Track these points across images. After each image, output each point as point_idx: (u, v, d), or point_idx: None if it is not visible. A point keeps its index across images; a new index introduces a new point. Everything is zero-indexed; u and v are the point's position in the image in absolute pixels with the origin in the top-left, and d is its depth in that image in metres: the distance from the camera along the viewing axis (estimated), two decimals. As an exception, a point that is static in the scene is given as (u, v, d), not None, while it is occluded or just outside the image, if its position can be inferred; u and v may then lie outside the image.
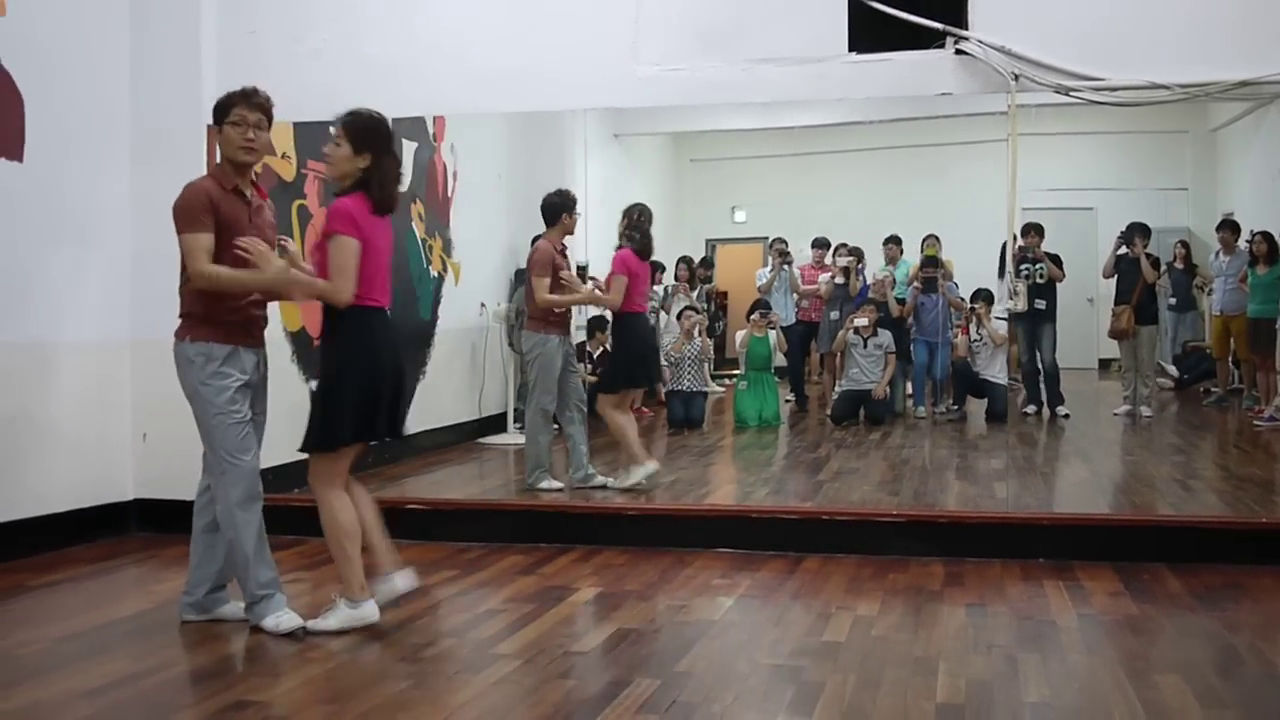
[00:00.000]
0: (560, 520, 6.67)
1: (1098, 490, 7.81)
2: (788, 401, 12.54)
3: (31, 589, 5.66)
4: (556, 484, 7.55)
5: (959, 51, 6.06)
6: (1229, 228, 12.35)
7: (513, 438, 10.15)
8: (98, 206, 6.75)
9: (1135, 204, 14.99)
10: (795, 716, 3.83)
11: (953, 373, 11.72)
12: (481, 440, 10.13)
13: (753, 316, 11.45)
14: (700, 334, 11.51)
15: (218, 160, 4.98)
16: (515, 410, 10.38)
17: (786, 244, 12.93)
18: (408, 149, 9.38)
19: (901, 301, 11.95)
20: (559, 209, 7.75)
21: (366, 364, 4.71)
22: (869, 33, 6.12)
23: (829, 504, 7.10)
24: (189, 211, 4.70)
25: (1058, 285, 11.72)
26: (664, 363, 11.62)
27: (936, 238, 12.06)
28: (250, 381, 4.87)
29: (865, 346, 11.33)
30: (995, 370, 11.44)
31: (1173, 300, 13.69)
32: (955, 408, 11.71)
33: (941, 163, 16.54)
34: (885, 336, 11.38)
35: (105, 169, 6.79)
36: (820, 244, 13.20)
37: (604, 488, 7.50)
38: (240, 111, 4.77)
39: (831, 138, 16.51)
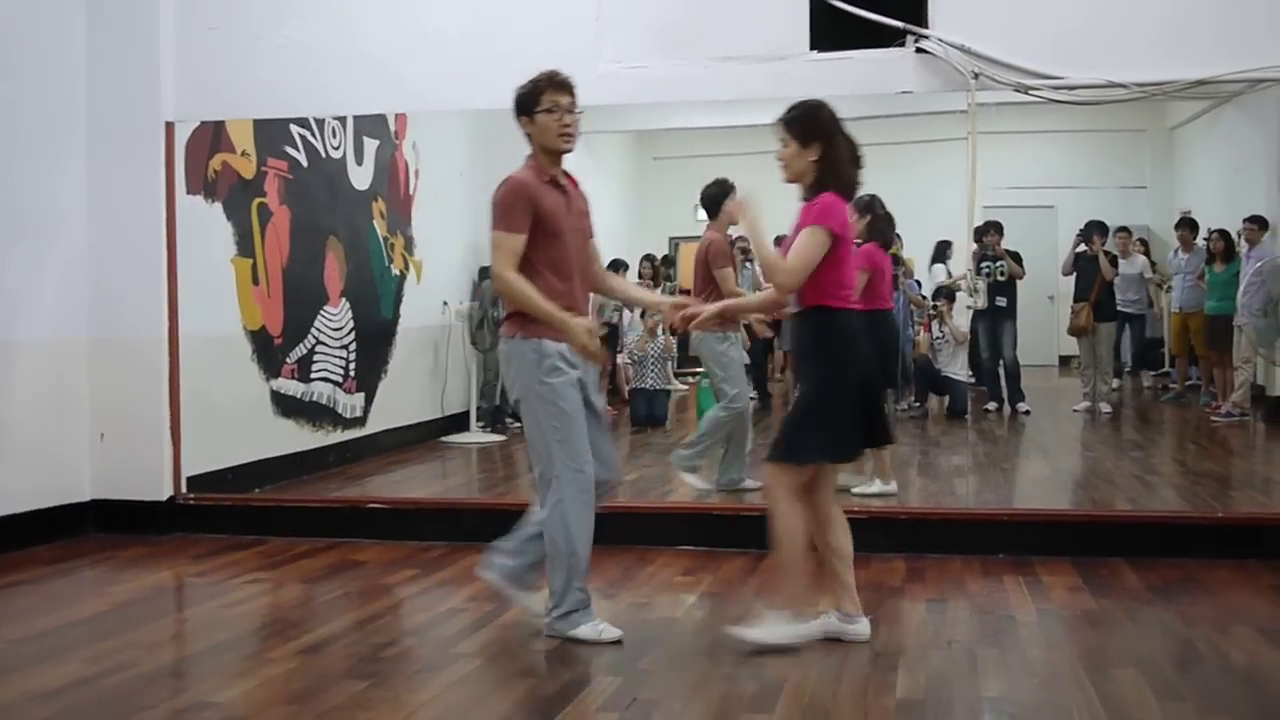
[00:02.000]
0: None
1: (1057, 486, 7.87)
2: (751, 399, 12.54)
3: (-13, 591, 5.61)
4: (754, 483, 7.28)
5: (919, 50, 6.08)
6: (1187, 225, 12.47)
7: (475, 436, 10.14)
8: (54, 204, 6.66)
9: (1095, 202, 15.07)
10: (756, 713, 3.83)
11: (914, 370, 11.78)
12: (444, 439, 10.10)
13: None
14: (663, 332, 11.51)
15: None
16: (478, 409, 10.37)
17: (749, 242, 12.94)
18: (369, 147, 9.34)
19: (864, 299, 11.98)
20: (719, 198, 7.51)
21: (851, 373, 4.41)
22: (830, 31, 6.13)
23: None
24: (509, 208, 4.50)
25: (1018, 283, 11.81)
26: (627, 360, 11.63)
27: (898, 235, 12.10)
28: (584, 386, 4.60)
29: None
30: (956, 367, 11.51)
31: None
32: (917, 405, 11.78)
33: (903, 161, 16.54)
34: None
35: (61, 166, 6.71)
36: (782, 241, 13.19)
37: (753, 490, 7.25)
38: (552, 97, 4.58)
39: (795, 136, 16.52)
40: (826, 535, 4.57)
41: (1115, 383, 12.74)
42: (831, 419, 4.39)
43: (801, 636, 4.45)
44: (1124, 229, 13.28)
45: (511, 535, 4.75)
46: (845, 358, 4.42)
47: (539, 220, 4.51)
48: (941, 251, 13.38)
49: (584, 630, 4.56)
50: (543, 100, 4.58)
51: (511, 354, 4.56)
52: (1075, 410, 11.65)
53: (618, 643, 4.53)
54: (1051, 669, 4.27)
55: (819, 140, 4.45)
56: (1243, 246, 11.15)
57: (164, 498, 6.83)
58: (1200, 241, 12.09)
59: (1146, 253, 13.84)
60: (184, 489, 6.89)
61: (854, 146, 4.52)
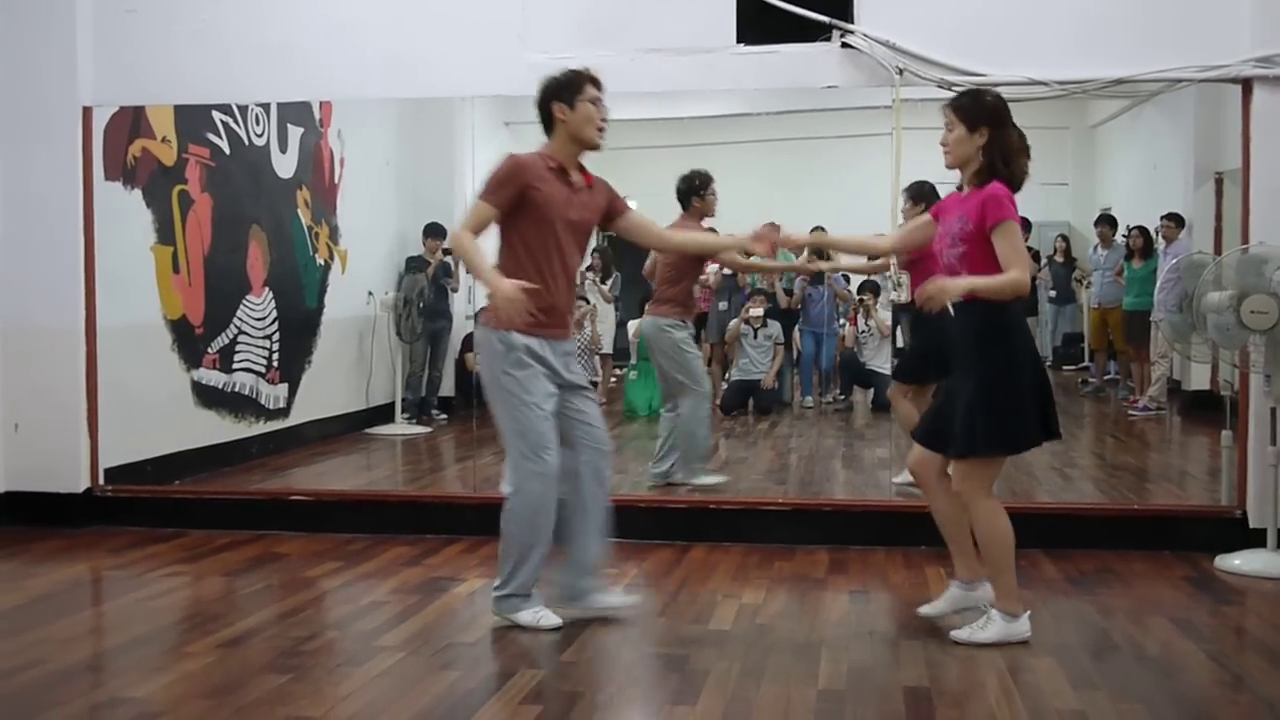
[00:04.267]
0: (447, 511, 6.62)
1: (979, 478, 7.94)
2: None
3: (-104, 585, 5.48)
4: (719, 477, 7.28)
5: (845, 45, 6.13)
6: (1107, 222, 12.66)
7: (400, 428, 10.07)
8: (-33, 190, 6.52)
9: (1019, 198, 15.24)
10: (680, 704, 3.84)
11: (839, 363, 11.87)
12: (369, 430, 10.02)
13: (648, 306, 11.45)
14: (591, 323, 11.49)
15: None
16: (403, 400, 10.29)
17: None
18: (293, 134, 9.24)
19: (789, 293, 12.05)
20: (689, 193, 7.46)
21: (1025, 363, 4.43)
22: (756, 25, 6.16)
23: (716, 493, 7.14)
24: (496, 181, 4.55)
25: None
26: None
27: (824, 229, 12.16)
28: (559, 374, 4.60)
29: (755, 337, 11.42)
30: (881, 361, 11.61)
31: (1053, 293, 14.00)
32: (842, 397, 11.87)
33: (830, 155, 16.60)
34: (774, 327, 11.48)
35: (-25, 151, 6.56)
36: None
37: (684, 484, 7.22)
38: (594, 91, 4.59)
39: (721, 129, 16.49)
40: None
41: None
42: (1008, 410, 4.37)
43: (1022, 635, 4.44)
44: None
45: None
46: (1018, 347, 4.42)
47: (528, 204, 4.52)
48: None
49: (523, 616, 4.63)
50: (586, 90, 4.60)
51: (481, 342, 4.61)
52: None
53: (556, 629, 4.57)
54: (970, 658, 4.32)
55: (986, 124, 4.47)
56: (1160, 243, 11.34)
57: (80, 490, 6.71)
58: (1119, 238, 12.27)
59: (1068, 249, 14.03)
60: (101, 481, 6.77)
61: (1023, 138, 4.55)
